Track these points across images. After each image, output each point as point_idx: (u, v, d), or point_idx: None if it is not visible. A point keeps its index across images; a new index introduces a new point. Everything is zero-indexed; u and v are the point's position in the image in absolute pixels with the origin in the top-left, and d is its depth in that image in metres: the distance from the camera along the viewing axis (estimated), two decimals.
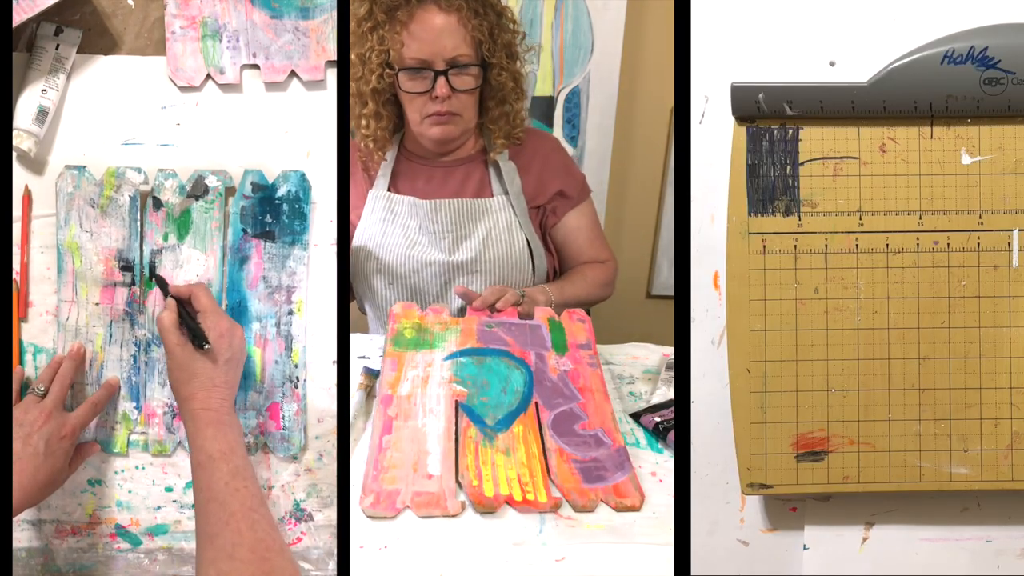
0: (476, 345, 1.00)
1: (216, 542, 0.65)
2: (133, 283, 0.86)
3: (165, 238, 0.86)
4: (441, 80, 1.17)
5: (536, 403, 0.90)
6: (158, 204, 0.85)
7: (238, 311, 0.87)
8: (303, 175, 0.86)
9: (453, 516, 0.75)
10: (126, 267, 0.85)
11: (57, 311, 0.85)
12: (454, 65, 1.17)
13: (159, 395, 0.86)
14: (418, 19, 1.15)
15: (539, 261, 1.33)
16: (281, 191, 0.86)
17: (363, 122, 1.27)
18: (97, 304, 0.85)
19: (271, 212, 0.87)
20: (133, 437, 0.86)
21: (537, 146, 1.37)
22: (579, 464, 0.81)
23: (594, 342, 1.03)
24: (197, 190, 0.85)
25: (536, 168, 1.34)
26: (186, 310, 0.79)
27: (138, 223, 0.85)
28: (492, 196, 1.31)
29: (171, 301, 0.79)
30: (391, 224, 1.30)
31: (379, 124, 1.26)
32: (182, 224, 0.86)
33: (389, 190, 1.32)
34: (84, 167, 0.85)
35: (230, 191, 0.86)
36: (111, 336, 0.86)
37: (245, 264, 0.87)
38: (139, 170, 0.85)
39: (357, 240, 1.31)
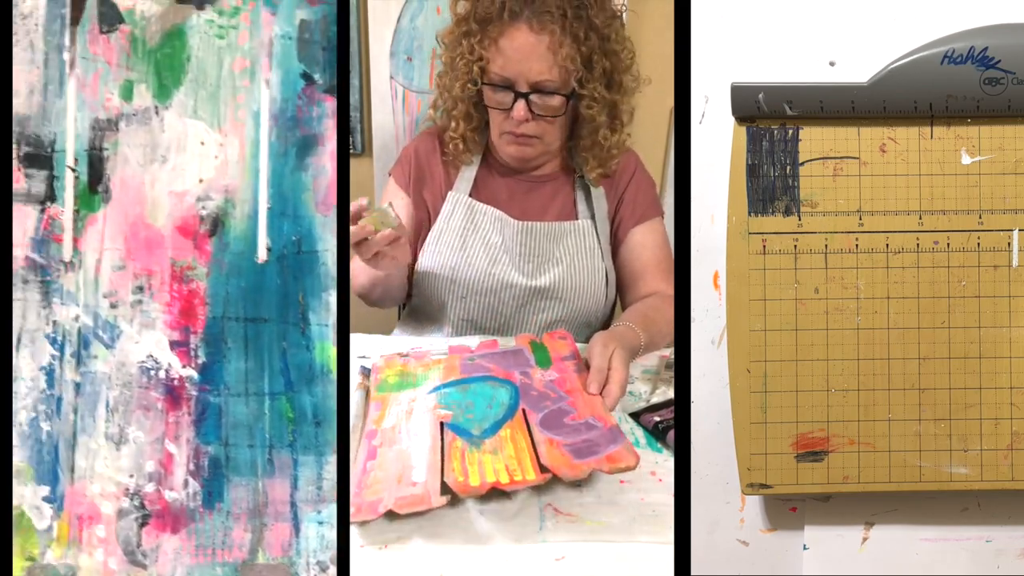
0: (460, 377, 0.99)
1: None
2: (51, 196, 0.43)
3: (126, 92, 0.44)
4: (520, 103, 1.11)
5: (523, 409, 0.89)
6: (111, 21, 0.44)
7: (292, 260, 0.46)
8: None
9: (437, 508, 0.74)
10: (34, 159, 0.42)
11: None
12: (538, 89, 1.10)
13: (114, 461, 0.46)
14: (508, 36, 1.09)
15: (611, 290, 1.27)
16: None
17: (452, 123, 1.21)
18: None
19: None
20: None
21: (621, 167, 1.29)
22: (570, 447, 0.80)
23: (578, 353, 1.02)
24: None
25: (612, 187, 1.28)
26: None
27: (66, 58, 0.43)
28: (576, 218, 1.25)
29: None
30: (472, 234, 1.23)
31: (469, 126, 1.20)
32: (165, 62, 0.44)
33: (470, 195, 1.25)
34: None
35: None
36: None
37: (310, 153, 0.46)
38: None
39: (431, 243, 1.24)
